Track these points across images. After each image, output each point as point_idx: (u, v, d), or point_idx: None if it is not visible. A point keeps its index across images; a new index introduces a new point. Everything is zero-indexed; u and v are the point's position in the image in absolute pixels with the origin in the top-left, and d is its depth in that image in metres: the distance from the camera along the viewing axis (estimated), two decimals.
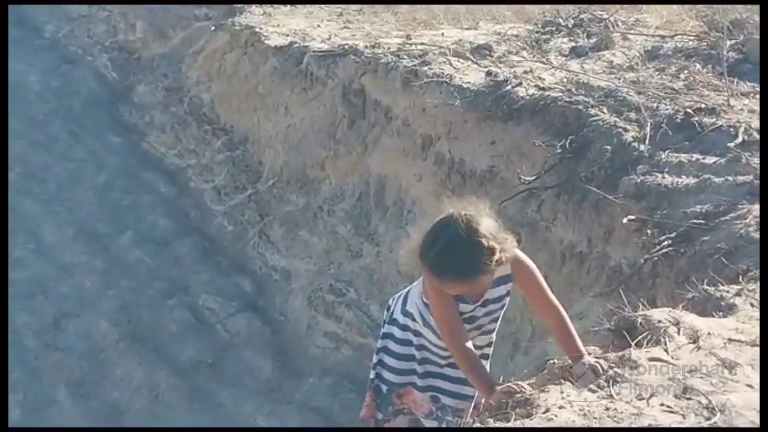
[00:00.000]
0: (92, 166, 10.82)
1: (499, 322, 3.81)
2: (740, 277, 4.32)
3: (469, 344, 3.52)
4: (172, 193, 10.38)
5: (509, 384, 3.23)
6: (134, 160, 10.95)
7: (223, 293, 8.90)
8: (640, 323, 3.81)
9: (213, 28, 10.90)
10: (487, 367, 3.71)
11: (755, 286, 4.14)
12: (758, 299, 3.99)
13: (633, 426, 2.85)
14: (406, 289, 3.95)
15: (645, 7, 9.18)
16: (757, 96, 6.56)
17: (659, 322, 3.77)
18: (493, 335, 3.83)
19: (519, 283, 3.66)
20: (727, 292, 4.15)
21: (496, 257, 3.34)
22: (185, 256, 9.41)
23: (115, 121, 11.65)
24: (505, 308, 3.77)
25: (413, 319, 3.80)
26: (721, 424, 2.88)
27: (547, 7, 9.14)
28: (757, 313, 3.91)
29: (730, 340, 3.58)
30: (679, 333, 3.62)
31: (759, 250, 4.52)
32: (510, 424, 2.96)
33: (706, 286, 4.26)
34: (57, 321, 8.57)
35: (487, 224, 3.36)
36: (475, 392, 3.75)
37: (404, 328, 3.85)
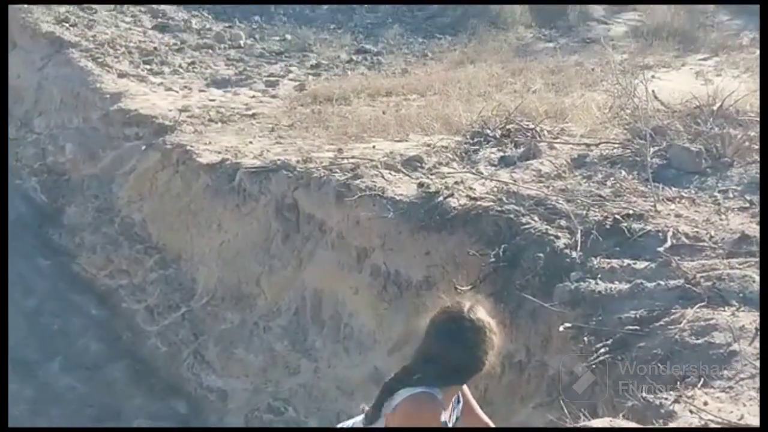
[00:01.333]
0: (20, 290, 10.52)
1: None
2: (678, 383, 4.33)
3: None
4: (103, 316, 10.12)
5: None
6: (64, 282, 10.69)
7: (157, 417, 8.62)
8: None
9: (144, 147, 10.86)
10: None
11: (693, 392, 4.15)
12: (696, 405, 3.99)
13: None
14: (352, 422, 3.80)
15: (570, 116, 9.44)
16: (683, 200, 6.73)
17: None
18: None
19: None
20: (666, 399, 4.15)
21: None
22: (117, 380, 9.13)
23: (44, 244, 11.42)
24: None
25: None
26: None
27: (475, 117, 9.33)
28: (696, 420, 3.90)
29: None
30: None
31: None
32: None
33: (644, 394, 4.26)
34: None
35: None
36: None
37: None
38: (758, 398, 4.10)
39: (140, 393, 8.96)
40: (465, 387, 3.61)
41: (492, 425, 3.63)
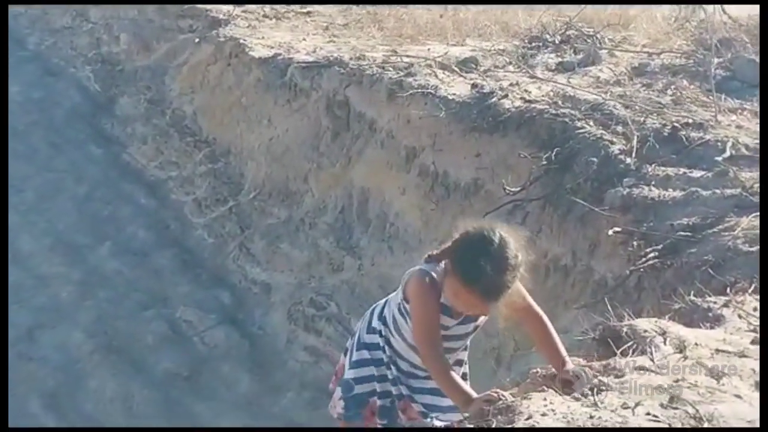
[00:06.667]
0: (72, 177, 10.66)
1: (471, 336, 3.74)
2: (728, 288, 4.23)
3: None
4: (152, 205, 10.23)
5: (490, 392, 3.13)
6: (115, 171, 10.79)
7: (202, 306, 8.74)
8: (626, 333, 3.71)
9: (197, 40, 10.81)
10: (460, 372, 3.64)
11: (743, 298, 4.05)
12: (746, 310, 3.90)
13: None
14: (383, 301, 3.86)
15: (632, 25, 9.16)
16: (745, 112, 6.51)
17: (645, 331, 3.67)
18: (468, 340, 3.74)
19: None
20: (715, 303, 4.05)
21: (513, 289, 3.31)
22: (164, 267, 9.25)
23: (97, 133, 11.50)
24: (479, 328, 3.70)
25: (385, 324, 3.74)
26: None
27: (534, 22, 9.10)
28: (745, 325, 3.81)
29: (718, 350, 3.48)
30: (665, 343, 3.52)
31: (759, 250, 4.43)
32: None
33: (693, 297, 4.17)
34: (31, 331, 8.35)
35: (522, 256, 3.31)
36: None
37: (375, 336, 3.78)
38: None
39: (186, 281, 9.08)
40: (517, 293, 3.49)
41: (543, 314, 3.54)
